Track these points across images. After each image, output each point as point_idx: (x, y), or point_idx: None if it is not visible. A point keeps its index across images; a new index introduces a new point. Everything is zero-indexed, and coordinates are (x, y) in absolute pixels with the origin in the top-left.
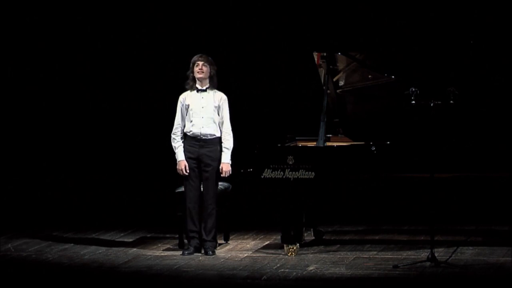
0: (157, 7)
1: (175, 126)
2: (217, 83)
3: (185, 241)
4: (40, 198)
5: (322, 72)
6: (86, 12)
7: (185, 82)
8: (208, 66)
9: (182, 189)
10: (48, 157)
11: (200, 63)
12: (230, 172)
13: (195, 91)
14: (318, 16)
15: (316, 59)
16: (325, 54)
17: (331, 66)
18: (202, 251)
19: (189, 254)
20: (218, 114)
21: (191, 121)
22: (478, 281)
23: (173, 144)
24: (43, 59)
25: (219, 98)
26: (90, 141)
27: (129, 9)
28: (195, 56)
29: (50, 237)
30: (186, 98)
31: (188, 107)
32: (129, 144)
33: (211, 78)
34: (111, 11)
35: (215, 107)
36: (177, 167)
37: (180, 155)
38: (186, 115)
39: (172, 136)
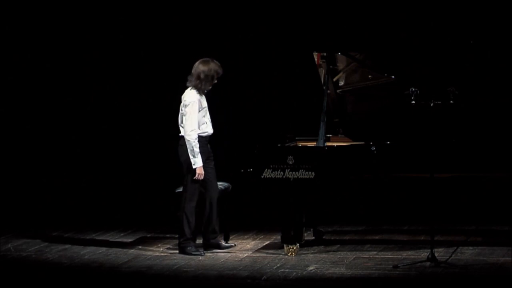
0: (157, 7)
1: (197, 129)
2: None
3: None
4: (40, 198)
5: (322, 72)
6: (86, 12)
7: (200, 82)
8: None
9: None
10: (48, 157)
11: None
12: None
13: (202, 93)
14: (318, 16)
15: (316, 59)
16: (325, 54)
17: (331, 66)
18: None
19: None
20: None
21: (206, 122)
22: (478, 281)
23: (197, 147)
24: (43, 59)
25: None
26: (90, 141)
27: (129, 9)
28: (219, 68)
29: (50, 237)
30: (200, 100)
31: (203, 109)
32: (128, 144)
33: None
34: (111, 11)
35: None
36: (198, 172)
37: (201, 160)
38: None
39: (196, 138)
